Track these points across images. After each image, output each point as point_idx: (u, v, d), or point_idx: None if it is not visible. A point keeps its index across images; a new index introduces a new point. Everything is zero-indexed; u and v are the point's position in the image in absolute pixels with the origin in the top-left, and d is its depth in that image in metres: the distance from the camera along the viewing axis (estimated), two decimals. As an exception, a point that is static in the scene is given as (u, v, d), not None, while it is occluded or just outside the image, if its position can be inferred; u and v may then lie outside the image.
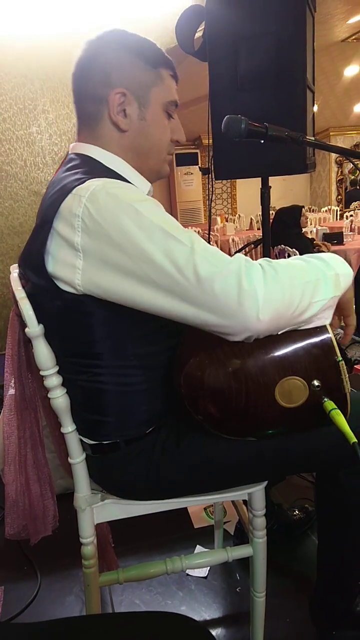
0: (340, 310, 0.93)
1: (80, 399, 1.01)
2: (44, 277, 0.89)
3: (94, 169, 0.95)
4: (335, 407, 0.87)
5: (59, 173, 0.98)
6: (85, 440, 1.05)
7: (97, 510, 1.11)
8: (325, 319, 0.88)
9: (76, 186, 0.86)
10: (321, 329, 0.88)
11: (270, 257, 1.12)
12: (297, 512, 1.83)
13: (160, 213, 0.85)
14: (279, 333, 0.87)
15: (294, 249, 4.20)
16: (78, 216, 0.83)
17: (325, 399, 0.88)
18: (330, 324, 0.89)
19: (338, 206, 9.98)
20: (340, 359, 0.88)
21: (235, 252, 0.97)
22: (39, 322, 0.99)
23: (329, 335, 0.88)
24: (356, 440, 0.83)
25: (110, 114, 0.98)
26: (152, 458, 1.02)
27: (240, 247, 4.01)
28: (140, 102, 0.99)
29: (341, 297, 0.90)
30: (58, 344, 0.99)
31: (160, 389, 1.00)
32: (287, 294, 0.81)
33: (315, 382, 0.88)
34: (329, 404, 0.87)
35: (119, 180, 0.92)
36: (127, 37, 0.99)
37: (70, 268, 0.85)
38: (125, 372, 0.97)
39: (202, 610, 1.50)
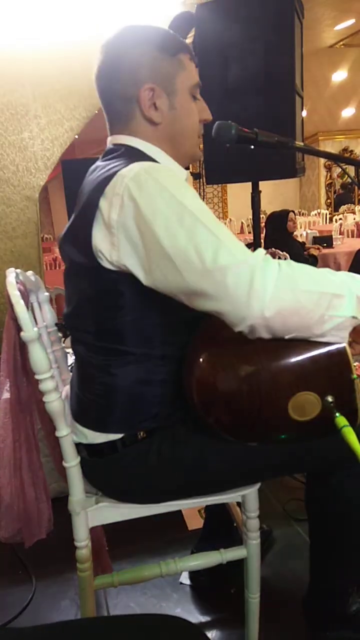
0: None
1: (99, 386, 1.02)
2: (88, 254, 0.92)
3: (136, 156, 0.98)
4: (348, 424, 0.86)
5: (99, 162, 1.01)
6: (82, 441, 1.06)
7: (91, 514, 1.11)
8: (341, 339, 0.85)
9: (121, 169, 0.90)
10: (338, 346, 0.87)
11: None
12: None
13: (196, 201, 0.87)
14: (288, 338, 0.84)
15: (285, 252, 4.23)
16: (119, 194, 0.87)
17: (337, 414, 0.87)
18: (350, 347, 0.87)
19: (327, 209, 10.06)
20: (356, 376, 0.86)
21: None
22: (75, 304, 1.02)
23: (347, 352, 0.86)
24: None
25: (143, 111, 1.01)
26: (147, 461, 1.03)
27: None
28: (168, 93, 1.01)
29: None
30: (92, 328, 1.00)
31: (175, 384, 1.01)
32: (298, 297, 0.80)
33: (329, 398, 0.87)
34: (341, 420, 0.86)
35: (162, 165, 0.97)
36: (143, 31, 1.01)
37: (108, 243, 0.89)
38: (149, 361, 0.99)
39: (196, 612, 1.50)
